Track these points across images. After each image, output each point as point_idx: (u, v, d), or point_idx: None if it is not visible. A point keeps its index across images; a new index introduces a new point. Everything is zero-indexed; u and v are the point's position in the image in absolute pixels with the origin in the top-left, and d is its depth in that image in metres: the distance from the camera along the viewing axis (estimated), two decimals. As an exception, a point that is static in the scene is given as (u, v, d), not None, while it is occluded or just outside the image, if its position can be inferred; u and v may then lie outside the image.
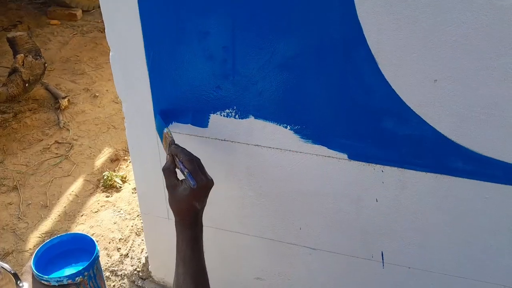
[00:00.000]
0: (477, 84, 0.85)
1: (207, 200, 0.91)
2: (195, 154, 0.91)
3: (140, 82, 1.07)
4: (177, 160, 0.91)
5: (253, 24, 0.91)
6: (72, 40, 3.44)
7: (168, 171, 0.91)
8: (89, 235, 1.35)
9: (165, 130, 0.98)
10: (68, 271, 1.29)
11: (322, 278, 1.27)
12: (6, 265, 1.12)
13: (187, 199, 0.87)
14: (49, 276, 1.21)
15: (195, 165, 0.88)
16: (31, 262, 1.28)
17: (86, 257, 1.30)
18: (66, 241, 1.37)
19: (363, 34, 0.85)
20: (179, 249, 0.90)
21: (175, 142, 0.95)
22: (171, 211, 1.29)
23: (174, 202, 0.89)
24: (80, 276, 1.22)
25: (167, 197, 1.26)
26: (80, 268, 1.24)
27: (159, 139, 1.15)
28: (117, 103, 2.74)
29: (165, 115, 1.09)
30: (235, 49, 0.95)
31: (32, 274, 1.23)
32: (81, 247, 1.35)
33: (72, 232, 1.82)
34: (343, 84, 0.92)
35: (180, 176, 0.91)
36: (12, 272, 1.11)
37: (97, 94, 2.82)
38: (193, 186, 0.86)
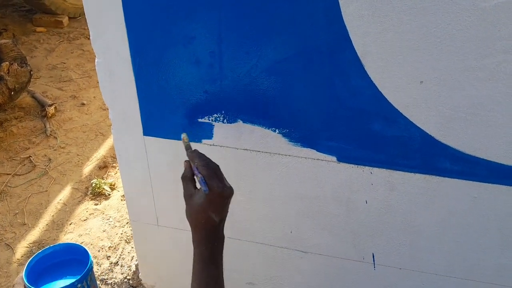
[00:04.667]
0: (462, 84, 0.85)
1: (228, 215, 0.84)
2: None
3: (127, 88, 1.06)
4: (193, 166, 0.84)
5: (239, 29, 0.91)
6: (59, 47, 3.41)
7: (186, 179, 0.84)
8: (82, 245, 1.34)
9: (182, 135, 0.92)
10: (61, 282, 1.26)
11: (314, 281, 1.27)
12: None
13: (202, 209, 0.79)
14: (42, 288, 1.19)
15: (211, 171, 0.81)
16: (22, 274, 1.26)
17: (79, 267, 1.28)
18: (59, 252, 1.34)
19: (349, 37, 0.86)
20: (194, 270, 0.81)
21: (191, 148, 0.89)
22: (161, 218, 1.28)
23: (190, 212, 0.82)
24: (74, 288, 1.20)
25: (156, 203, 1.25)
26: (74, 280, 1.21)
27: (146, 145, 1.14)
28: (104, 109, 2.72)
29: (153, 120, 1.08)
30: (221, 53, 0.95)
31: (24, 286, 1.20)
32: (74, 258, 1.33)
33: (62, 242, 1.79)
34: (330, 87, 0.92)
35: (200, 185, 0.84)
36: None
37: (84, 101, 2.80)
38: (206, 192, 0.79)
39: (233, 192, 0.83)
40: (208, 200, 0.79)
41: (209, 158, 0.85)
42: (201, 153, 0.87)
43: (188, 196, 0.82)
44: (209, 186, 0.80)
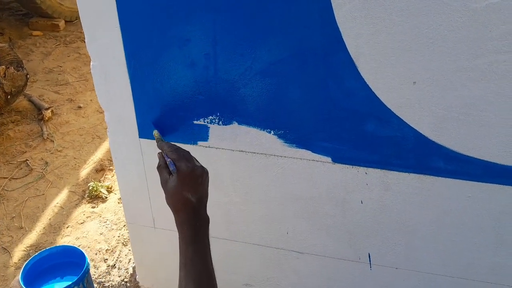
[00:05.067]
0: (454, 85, 0.86)
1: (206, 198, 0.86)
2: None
3: (122, 91, 1.06)
4: (164, 154, 0.88)
5: (234, 31, 0.91)
6: (55, 51, 3.41)
7: (160, 168, 0.87)
8: (79, 248, 1.34)
9: (154, 132, 0.99)
10: (58, 285, 1.26)
11: (310, 281, 1.27)
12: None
13: (177, 191, 0.82)
14: (38, 291, 1.19)
15: (179, 153, 0.85)
16: (19, 277, 1.26)
17: (76, 270, 1.28)
18: (55, 254, 1.35)
19: (342, 39, 0.87)
20: (180, 251, 0.83)
21: (162, 140, 0.94)
22: (157, 220, 1.29)
23: (168, 197, 0.85)
24: (70, 291, 1.19)
25: (152, 205, 1.26)
26: (70, 282, 1.22)
27: (142, 147, 1.14)
28: (101, 112, 2.72)
29: (149, 123, 1.08)
30: (216, 55, 0.95)
31: None
32: (71, 260, 1.33)
33: (59, 244, 1.79)
34: (324, 88, 0.93)
35: None
36: None
37: (81, 105, 2.80)
38: (173, 171, 0.82)
39: (206, 171, 0.86)
40: (180, 181, 0.82)
41: (175, 144, 0.90)
42: (169, 142, 0.91)
43: (164, 183, 0.85)
44: (177, 167, 0.83)
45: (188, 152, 0.88)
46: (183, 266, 0.81)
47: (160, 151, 0.91)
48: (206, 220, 0.85)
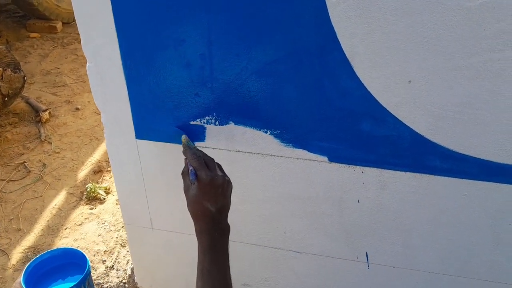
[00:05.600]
0: (450, 83, 0.86)
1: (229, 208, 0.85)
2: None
3: (118, 92, 1.06)
4: (187, 161, 0.87)
5: (229, 31, 0.92)
6: (53, 53, 3.41)
7: (184, 175, 0.86)
8: (80, 250, 1.34)
9: (182, 137, 0.97)
10: (60, 287, 1.26)
11: (309, 281, 1.27)
12: None
13: (196, 200, 0.81)
14: (40, 294, 1.18)
15: (200, 162, 0.84)
16: (20, 279, 1.26)
17: (77, 272, 1.28)
18: (56, 256, 1.35)
19: (337, 38, 0.87)
20: (198, 260, 0.82)
21: (189, 145, 0.93)
22: (155, 221, 1.29)
23: (188, 205, 0.84)
24: (72, 293, 1.19)
25: (150, 206, 1.26)
26: (72, 284, 1.22)
27: (139, 148, 1.14)
28: (99, 114, 2.70)
29: (145, 123, 1.08)
30: (212, 56, 0.95)
31: None
32: (72, 262, 1.34)
33: (58, 247, 1.79)
34: (320, 88, 0.93)
35: None
36: None
37: (78, 106, 2.80)
38: (192, 181, 0.81)
39: (227, 180, 0.84)
40: (200, 189, 0.82)
41: (201, 152, 0.88)
42: (195, 148, 0.90)
43: (186, 190, 0.85)
44: (197, 176, 0.82)
45: (212, 160, 0.87)
46: (200, 275, 0.80)
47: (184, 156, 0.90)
48: (226, 229, 0.84)
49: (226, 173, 0.88)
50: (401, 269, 1.16)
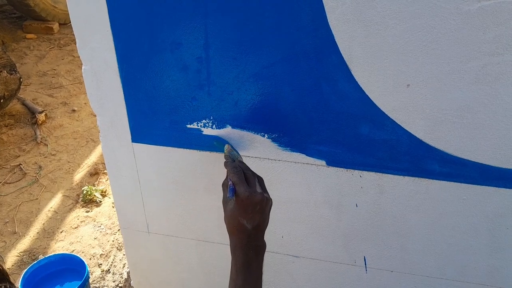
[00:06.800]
0: (448, 87, 0.86)
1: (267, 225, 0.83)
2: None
3: (114, 95, 1.05)
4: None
5: (226, 35, 0.91)
6: (49, 54, 3.40)
7: (224, 187, 0.85)
8: (78, 256, 1.33)
9: (225, 146, 0.96)
10: (58, 293, 1.26)
11: (306, 285, 1.27)
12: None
13: (232, 215, 0.79)
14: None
15: (240, 176, 0.82)
16: (18, 284, 1.24)
17: (75, 278, 1.27)
18: (54, 262, 1.34)
19: (335, 42, 0.86)
20: (230, 275, 0.80)
21: (231, 156, 0.92)
22: (151, 225, 1.27)
23: (225, 218, 0.82)
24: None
25: (146, 210, 1.25)
26: None
27: (135, 152, 1.13)
28: (95, 116, 2.70)
29: (142, 127, 1.07)
30: (209, 59, 0.94)
31: None
32: (70, 268, 1.33)
33: (53, 250, 1.77)
34: (318, 91, 0.93)
35: None
36: None
37: (75, 108, 2.78)
38: (229, 198, 0.79)
39: (266, 198, 0.82)
40: (237, 205, 0.79)
41: (243, 165, 0.86)
42: (238, 160, 0.88)
43: (224, 202, 0.83)
44: (236, 192, 0.80)
45: (253, 175, 0.84)
46: None
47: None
48: (262, 248, 0.82)
49: (267, 189, 0.85)
50: (399, 273, 1.15)
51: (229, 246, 1.24)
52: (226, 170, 0.88)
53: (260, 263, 0.81)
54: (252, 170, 0.87)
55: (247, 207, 0.79)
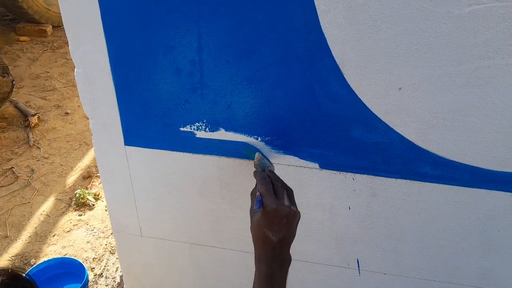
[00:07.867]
0: (440, 90, 0.86)
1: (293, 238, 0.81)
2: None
3: (107, 98, 1.05)
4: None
5: (219, 38, 0.91)
6: (42, 56, 3.38)
7: (252, 196, 0.84)
8: (77, 259, 1.32)
9: (256, 154, 0.95)
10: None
11: (299, 288, 1.27)
12: None
13: (258, 226, 0.78)
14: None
15: (267, 188, 0.80)
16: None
17: (74, 281, 1.26)
18: (54, 266, 1.33)
19: (328, 45, 0.86)
20: (254, 284, 0.79)
21: (261, 165, 0.91)
22: (144, 228, 1.27)
23: (251, 228, 0.80)
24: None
25: (139, 213, 1.24)
26: None
27: (128, 155, 1.13)
28: (89, 119, 2.69)
29: (135, 130, 1.07)
30: (202, 62, 0.95)
31: None
32: (68, 272, 1.32)
33: (46, 254, 1.76)
34: (311, 94, 0.93)
35: None
36: None
37: (68, 111, 2.77)
38: (255, 210, 0.78)
39: (293, 212, 0.80)
40: (263, 217, 0.78)
41: (273, 175, 0.84)
42: (268, 170, 0.87)
43: (251, 212, 0.82)
44: (263, 204, 0.79)
45: (282, 187, 0.83)
46: None
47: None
48: (287, 261, 0.81)
49: (295, 201, 0.84)
50: (392, 275, 1.16)
51: (224, 250, 1.24)
52: (254, 179, 0.86)
53: (284, 275, 0.80)
54: (282, 180, 0.86)
55: (273, 220, 0.78)
